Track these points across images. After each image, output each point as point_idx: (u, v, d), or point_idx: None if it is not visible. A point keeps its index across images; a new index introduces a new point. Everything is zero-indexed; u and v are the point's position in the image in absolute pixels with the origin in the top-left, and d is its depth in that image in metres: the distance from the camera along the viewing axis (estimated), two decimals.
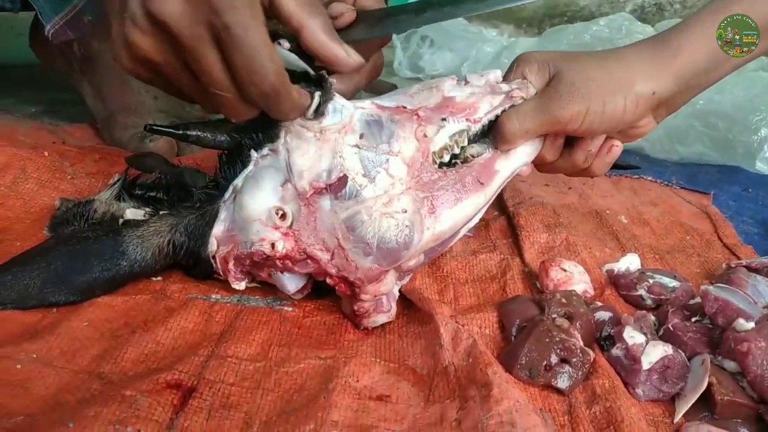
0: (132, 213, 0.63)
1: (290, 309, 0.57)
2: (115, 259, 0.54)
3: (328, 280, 0.54)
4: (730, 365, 0.52)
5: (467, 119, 0.57)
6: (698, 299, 0.60)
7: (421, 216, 0.53)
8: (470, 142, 0.59)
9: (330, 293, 0.59)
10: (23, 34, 1.19)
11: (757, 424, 0.49)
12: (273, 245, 0.52)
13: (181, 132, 0.55)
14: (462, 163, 0.58)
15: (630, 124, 0.62)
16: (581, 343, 0.53)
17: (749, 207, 0.97)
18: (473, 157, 0.59)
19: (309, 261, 0.53)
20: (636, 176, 1.01)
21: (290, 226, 0.52)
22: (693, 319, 0.58)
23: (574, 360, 0.51)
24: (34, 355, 0.46)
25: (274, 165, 0.53)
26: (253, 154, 0.54)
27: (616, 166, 1.04)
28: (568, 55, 0.64)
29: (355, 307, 0.54)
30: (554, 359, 0.51)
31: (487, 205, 0.61)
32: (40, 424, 0.39)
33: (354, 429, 0.43)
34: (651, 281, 0.64)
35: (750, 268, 0.67)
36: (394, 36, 1.66)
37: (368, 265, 0.52)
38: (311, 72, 0.54)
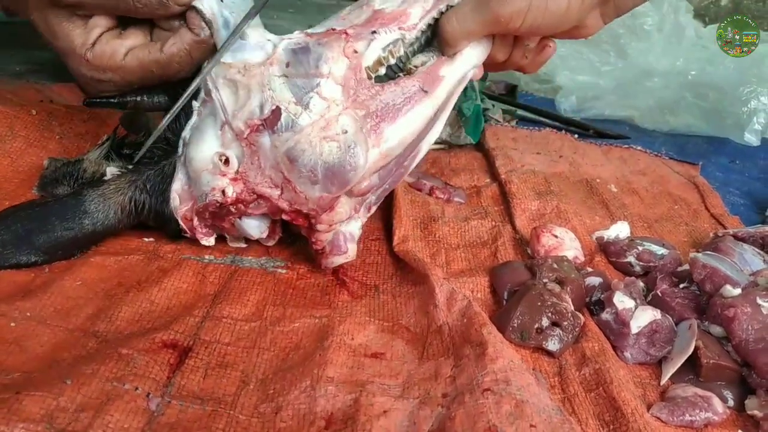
0: (111, 171, 0.63)
1: (284, 271, 0.57)
2: (77, 218, 0.53)
3: (284, 216, 0.54)
4: (717, 330, 0.53)
5: (399, 28, 0.54)
6: (686, 266, 0.61)
7: (364, 134, 0.50)
8: (415, 53, 0.56)
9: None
10: None
11: (740, 387, 0.50)
12: (223, 192, 0.52)
13: (117, 101, 0.56)
14: (406, 75, 0.55)
15: (575, 22, 0.57)
16: (572, 307, 0.54)
17: (736, 178, 0.98)
18: (415, 68, 0.55)
19: (260, 200, 0.53)
20: (626, 146, 1.02)
21: (237, 171, 0.52)
22: (681, 286, 0.59)
23: (565, 323, 0.52)
24: (28, 314, 0.46)
25: (212, 112, 0.53)
26: (194, 104, 0.54)
27: (607, 136, 1.06)
28: None
29: (312, 240, 0.54)
30: (545, 322, 0.52)
31: (442, 116, 0.58)
32: (37, 381, 0.39)
33: (349, 384, 0.43)
34: (640, 248, 0.65)
35: (737, 237, 0.68)
36: None
37: (317, 194, 0.51)
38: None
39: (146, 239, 0.58)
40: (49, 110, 0.73)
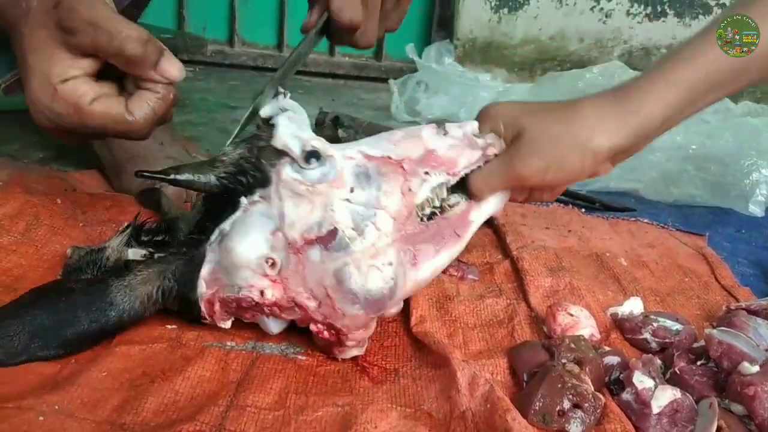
0: (133, 254, 0.64)
1: (304, 357, 0.58)
2: (104, 310, 0.54)
3: (312, 327, 0.56)
4: (738, 408, 0.53)
5: (447, 173, 0.60)
6: (702, 342, 0.61)
7: (405, 268, 0.56)
8: (448, 192, 0.62)
9: None
10: None
11: None
12: (262, 293, 0.54)
13: (171, 177, 0.56)
14: (440, 212, 0.61)
15: (587, 176, 0.65)
16: (592, 389, 0.54)
17: (743, 248, 0.99)
18: (449, 206, 0.62)
19: (297, 309, 0.55)
20: (632, 218, 1.03)
21: (278, 273, 0.54)
22: (699, 363, 0.59)
23: (586, 405, 0.52)
24: (56, 407, 0.47)
25: (265, 213, 0.55)
26: (243, 200, 0.55)
27: (613, 209, 1.08)
28: (530, 110, 0.67)
29: (338, 350, 0.57)
30: (567, 405, 0.52)
31: (459, 250, 0.63)
32: None
33: None
34: (655, 325, 0.66)
35: (749, 311, 0.68)
36: (391, 81, 1.70)
37: (355, 312, 0.54)
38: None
39: (169, 326, 0.59)
40: (73, 198, 0.76)
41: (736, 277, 0.86)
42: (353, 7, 0.64)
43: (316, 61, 2.10)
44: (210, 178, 0.56)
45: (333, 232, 0.53)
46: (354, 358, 0.59)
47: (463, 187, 0.63)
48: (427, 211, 0.59)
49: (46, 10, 0.53)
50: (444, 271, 0.77)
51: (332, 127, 1.22)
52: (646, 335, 0.65)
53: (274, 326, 0.59)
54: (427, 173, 0.59)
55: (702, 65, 0.64)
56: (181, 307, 0.58)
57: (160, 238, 0.70)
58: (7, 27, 0.56)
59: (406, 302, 0.67)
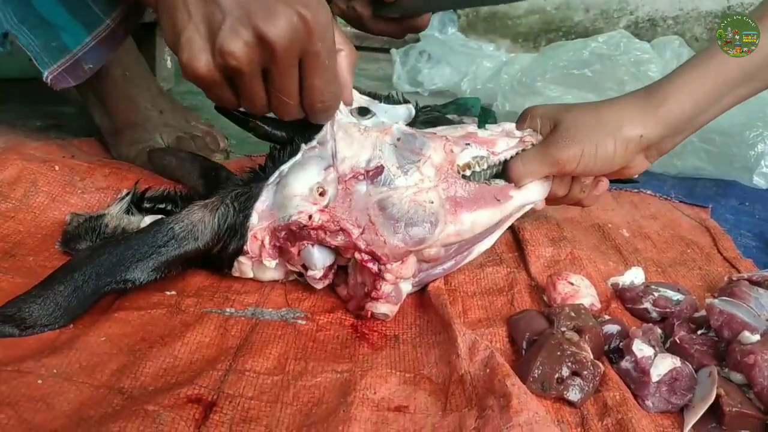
0: (151, 220, 0.64)
1: (304, 322, 0.58)
2: (165, 238, 0.56)
3: (357, 255, 0.58)
4: (737, 377, 0.53)
5: (487, 149, 0.66)
6: (703, 312, 0.61)
7: (445, 210, 0.59)
8: (491, 176, 0.67)
9: (340, 308, 0.61)
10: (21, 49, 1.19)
11: None
12: (310, 216, 0.57)
13: (247, 119, 0.61)
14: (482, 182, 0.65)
15: (621, 164, 0.69)
16: (591, 356, 0.54)
17: (746, 220, 0.99)
18: (492, 183, 0.66)
19: (341, 233, 0.57)
20: (636, 190, 1.03)
21: (326, 205, 0.58)
22: (699, 332, 0.59)
23: (585, 373, 0.52)
24: (55, 370, 0.46)
25: (320, 155, 0.60)
26: (302, 146, 0.61)
27: (617, 181, 1.07)
28: (568, 107, 0.71)
29: (377, 287, 0.58)
30: (566, 372, 0.52)
31: (497, 232, 0.69)
32: None
33: None
34: (656, 294, 0.65)
35: (752, 281, 0.68)
36: (393, 50, 1.68)
37: (395, 242, 0.57)
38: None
39: (168, 293, 0.59)
40: (71, 166, 0.75)
41: (738, 249, 0.85)
42: None
43: None
44: (277, 128, 0.62)
45: (380, 168, 0.58)
46: (354, 325, 0.59)
47: (505, 177, 0.67)
48: (468, 173, 0.64)
49: None
50: None
51: None
52: (647, 305, 0.65)
53: (320, 260, 0.59)
54: (468, 144, 0.64)
55: (725, 63, 0.66)
56: (223, 243, 0.59)
57: (163, 206, 0.70)
58: None
59: None
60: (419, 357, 0.54)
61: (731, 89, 0.67)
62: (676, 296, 0.65)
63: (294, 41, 0.50)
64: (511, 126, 0.71)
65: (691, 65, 0.68)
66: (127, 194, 0.69)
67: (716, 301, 0.59)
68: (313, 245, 0.59)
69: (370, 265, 0.58)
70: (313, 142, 0.61)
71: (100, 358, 0.49)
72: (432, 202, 0.58)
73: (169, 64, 1.25)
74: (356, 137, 0.60)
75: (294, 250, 0.59)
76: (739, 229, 0.95)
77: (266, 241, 0.59)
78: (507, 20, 1.99)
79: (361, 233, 0.57)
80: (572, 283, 0.65)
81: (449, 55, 1.57)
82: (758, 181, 1.06)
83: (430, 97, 1.59)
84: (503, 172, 0.67)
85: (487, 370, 0.49)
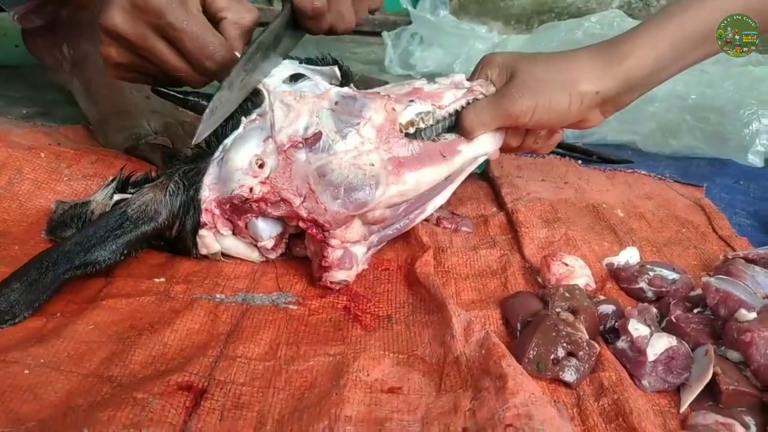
0: (119, 197, 0.63)
1: (295, 307, 0.57)
2: (120, 220, 0.57)
3: (300, 224, 0.58)
4: (734, 355, 0.53)
5: (432, 104, 0.65)
6: (699, 291, 0.60)
7: (387, 171, 0.58)
8: (440, 132, 0.66)
9: (330, 295, 0.60)
10: (7, 35, 1.17)
11: (761, 412, 0.49)
12: (251, 189, 0.57)
13: (182, 97, 0.63)
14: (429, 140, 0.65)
15: (576, 118, 0.67)
16: (587, 337, 0.53)
17: (741, 199, 0.98)
18: (441, 139, 0.66)
19: (282, 204, 0.58)
20: (630, 170, 1.02)
21: (267, 177, 0.58)
22: (695, 311, 0.59)
23: (581, 353, 0.52)
24: (42, 360, 0.46)
25: (260, 126, 0.60)
26: (243, 119, 0.60)
27: (610, 161, 1.06)
28: (526, 57, 0.70)
29: (324, 254, 0.59)
30: (561, 353, 0.52)
31: (450, 187, 0.68)
32: (53, 429, 0.39)
33: (368, 423, 0.43)
34: (651, 274, 0.65)
35: (747, 259, 0.68)
36: (385, 33, 1.66)
37: (336, 208, 0.57)
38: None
39: (157, 280, 0.58)
40: (57, 153, 0.74)
41: (733, 228, 0.85)
42: None
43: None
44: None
45: (317, 135, 0.58)
46: (346, 307, 0.58)
47: (457, 129, 0.67)
48: (411, 130, 0.62)
49: None
50: (438, 224, 0.76)
51: None
52: (642, 284, 0.64)
53: (266, 231, 0.60)
54: (411, 101, 0.63)
55: (689, 19, 0.66)
56: (180, 220, 0.60)
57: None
58: None
59: (399, 246, 0.67)
60: (412, 337, 0.54)
61: (693, 47, 0.67)
62: (671, 275, 0.65)
63: (133, 22, 0.57)
64: (461, 77, 0.70)
65: (652, 23, 0.67)
66: (113, 180, 0.68)
67: (712, 279, 0.59)
68: (257, 217, 0.59)
69: (314, 231, 0.58)
70: (253, 115, 0.61)
71: (88, 347, 0.48)
72: (372, 165, 0.58)
73: None
74: (293, 105, 0.59)
75: (241, 223, 0.60)
76: (734, 207, 0.95)
77: (217, 212, 0.60)
78: (499, 2, 1.97)
79: (302, 202, 0.57)
80: (567, 264, 0.64)
81: (441, 38, 1.55)
82: (753, 160, 1.05)
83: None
84: (455, 124, 0.67)
85: (483, 351, 0.48)
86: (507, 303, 0.60)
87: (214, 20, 0.61)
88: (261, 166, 0.58)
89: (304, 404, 0.45)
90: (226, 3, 0.61)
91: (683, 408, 0.50)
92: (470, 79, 0.71)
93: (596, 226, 0.80)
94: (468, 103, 0.67)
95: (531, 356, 0.51)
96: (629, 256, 0.69)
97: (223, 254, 0.63)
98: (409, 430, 0.42)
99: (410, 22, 1.69)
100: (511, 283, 0.65)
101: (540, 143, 0.73)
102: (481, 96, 0.68)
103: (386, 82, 1.21)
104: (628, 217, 0.85)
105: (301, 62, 0.67)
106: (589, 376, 0.51)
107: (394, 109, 0.61)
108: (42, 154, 0.73)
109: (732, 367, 0.51)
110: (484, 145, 0.68)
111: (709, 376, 0.50)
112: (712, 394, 0.50)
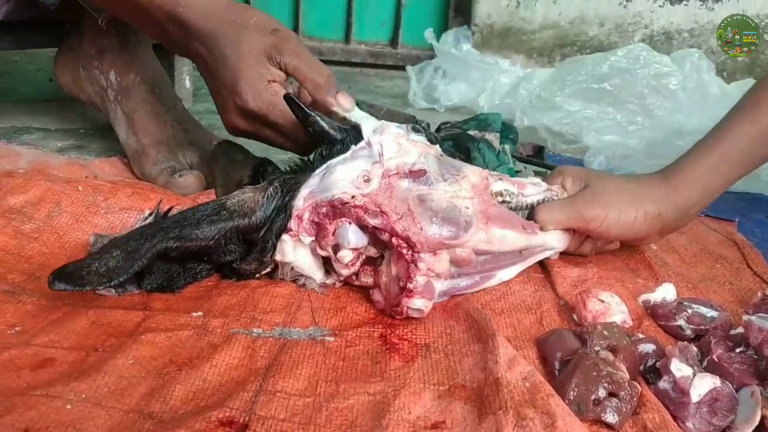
0: None
1: (332, 339, 0.57)
2: (218, 212, 0.60)
3: (393, 240, 0.60)
4: None
5: (517, 187, 0.72)
6: (739, 329, 0.59)
7: (478, 219, 0.63)
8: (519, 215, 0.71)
9: (368, 322, 0.60)
10: (42, 70, 1.20)
11: None
12: (353, 196, 0.61)
13: (313, 115, 0.67)
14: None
15: (638, 234, 0.74)
16: (628, 376, 0.52)
17: None
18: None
19: (381, 215, 0.61)
20: None
21: (368, 193, 0.62)
22: (738, 350, 0.57)
23: (623, 393, 0.51)
24: (84, 395, 0.46)
25: (368, 155, 0.65)
26: (352, 146, 0.66)
27: None
28: (598, 173, 0.80)
29: (411, 276, 0.60)
30: (602, 393, 0.51)
31: (519, 264, 0.71)
32: None
33: None
34: (690, 311, 0.64)
35: None
36: (408, 68, 1.68)
37: (431, 230, 0.60)
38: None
39: (194, 314, 0.58)
40: (95, 186, 0.75)
41: None
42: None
43: (332, 49, 2.09)
44: (336, 127, 0.68)
45: (422, 171, 0.64)
46: (383, 336, 0.58)
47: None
48: (499, 200, 0.69)
49: (263, 31, 0.72)
50: None
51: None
52: (681, 322, 0.63)
53: (352, 236, 0.61)
54: (501, 179, 0.71)
55: (731, 149, 0.72)
56: (260, 244, 0.63)
57: None
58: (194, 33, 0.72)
59: None
60: (452, 366, 0.54)
61: (737, 171, 0.74)
62: (710, 313, 0.64)
63: (249, 124, 0.75)
64: (537, 180, 0.76)
65: (699, 153, 0.74)
66: (150, 214, 0.69)
67: (754, 318, 0.58)
68: (350, 223, 0.61)
69: (404, 251, 0.60)
70: (362, 143, 0.66)
71: (128, 382, 0.48)
72: (467, 208, 0.63)
73: (187, 83, 1.25)
74: (404, 144, 0.66)
75: (331, 227, 0.62)
76: (767, 243, 0.93)
77: (305, 217, 0.62)
78: (521, 35, 1.99)
79: (399, 219, 0.60)
80: (603, 301, 0.64)
81: (465, 71, 1.57)
82: None
83: (446, 113, 1.59)
84: (529, 216, 0.72)
85: (527, 384, 0.48)
86: (544, 341, 0.59)
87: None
88: (367, 180, 0.62)
89: None
90: (304, 72, 0.73)
91: None
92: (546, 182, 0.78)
93: (631, 262, 0.79)
94: (545, 200, 0.73)
95: (572, 397, 0.50)
96: (666, 292, 0.68)
97: (270, 276, 0.66)
98: None
99: (432, 56, 1.71)
100: (547, 320, 0.64)
101: (593, 251, 0.78)
102: (556, 197, 0.74)
103: (413, 117, 1.22)
104: (661, 251, 0.84)
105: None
106: (632, 418, 0.50)
107: (487, 178, 0.68)
108: (80, 188, 0.74)
109: None
110: (554, 240, 0.72)
111: (758, 420, 0.49)
112: None
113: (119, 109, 0.92)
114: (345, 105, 0.71)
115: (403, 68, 1.77)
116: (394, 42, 2.12)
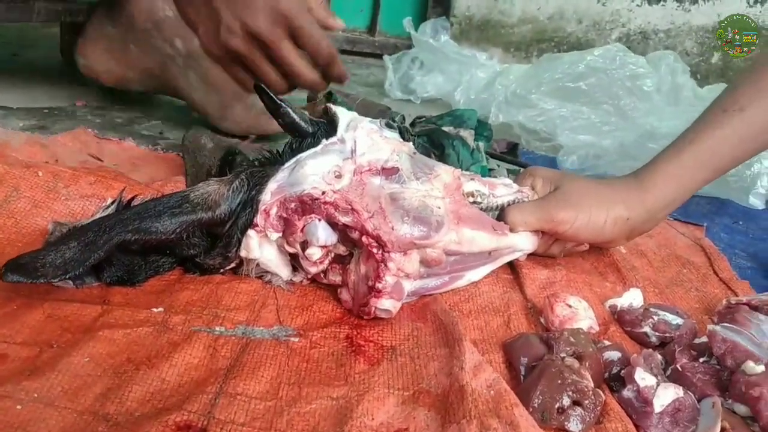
0: None
1: (296, 339, 0.56)
2: (180, 204, 0.58)
3: (363, 238, 0.59)
4: (741, 409, 0.52)
5: (489, 188, 0.72)
6: (704, 338, 0.60)
7: (450, 219, 0.63)
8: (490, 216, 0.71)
9: (334, 323, 0.59)
10: (6, 44, 1.16)
11: None
12: (323, 192, 0.60)
13: (283, 107, 0.67)
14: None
15: (606, 237, 0.74)
16: (592, 385, 0.52)
17: (741, 240, 0.98)
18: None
19: (351, 213, 0.59)
20: None
21: (340, 189, 0.60)
22: (701, 360, 0.58)
23: (587, 402, 0.51)
24: (35, 395, 0.44)
25: (339, 149, 0.64)
26: (324, 140, 0.64)
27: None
28: (569, 175, 0.79)
29: (380, 275, 0.59)
30: (566, 401, 0.50)
31: (487, 266, 0.70)
32: None
33: None
34: (656, 318, 0.64)
35: (751, 306, 0.67)
36: (386, 57, 1.67)
37: (402, 231, 0.59)
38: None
39: (155, 309, 0.57)
40: (55, 172, 0.73)
41: (734, 270, 0.85)
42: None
43: None
44: (307, 119, 0.67)
45: (396, 169, 0.63)
46: (349, 337, 0.57)
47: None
48: (470, 200, 0.69)
49: None
50: None
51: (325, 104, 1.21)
52: (647, 329, 0.64)
53: (321, 233, 0.60)
54: (472, 179, 0.71)
55: (702, 149, 0.73)
56: (224, 238, 0.61)
57: None
58: None
59: None
60: (418, 370, 0.53)
61: (711, 172, 0.74)
62: (675, 320, 0.64)
63: (272, 25, 0.68)
64: (509, 180, 0.77)
65: (669, 154, 0.74)
66: (112, 203, 0.67)
67: (718, 327, 0.58)
68: (319, 220, 0.60)
69: (374, 250, 0.59)
70: (334, 138, 0.64)
71: (83, 381, 0.46)
72: (439, 208, 0.63)
73: None
74: (377, 140, 0.65)
75: (299, 223, 0.60)
76: (734, 248, 0.95)
77: (273, 212, 0.60)
78: (500, 29, 1.98)
79: (370, 217, 0.59)
80: (570, 306, 0.64)
81: (442, 63, 1.56)
82: (754, 202, 1.06)
83: (421, 105, 1.58)
84: (499, 217, 0.72)
85: (492, 393, 0.47)
86: (510, 345, 0.59)
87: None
88: (338, 176, 0.61)
89: None
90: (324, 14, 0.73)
91: None
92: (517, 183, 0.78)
93: (599, 265, 0.80)
94: (515, 201, 0.73)
95: (536, 404, 0.50)
96: (633, 298, 0.69)
97: (235, 272, 0.64)
98: None
99: (410, 46, 1.69)
100: (514, 323, 0.64)
101: (562, 253, 0.78)
102: (527, 199, 0.74)
103: (388, 107, 1.21)
104: (630, 254, 0.84)
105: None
106: (595, 427, 0.50)
107: (459, 178, 0.68)
108: (39, 173, 0.71)
109: (740, 422, 0.51)
110: (523, 241, 0.72)
111: (718, 431, 0.49)
112: None
113: (191, 73, 0.97)
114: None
115: (380, 56, 1.75)
116: (371, 29, 2.10)
